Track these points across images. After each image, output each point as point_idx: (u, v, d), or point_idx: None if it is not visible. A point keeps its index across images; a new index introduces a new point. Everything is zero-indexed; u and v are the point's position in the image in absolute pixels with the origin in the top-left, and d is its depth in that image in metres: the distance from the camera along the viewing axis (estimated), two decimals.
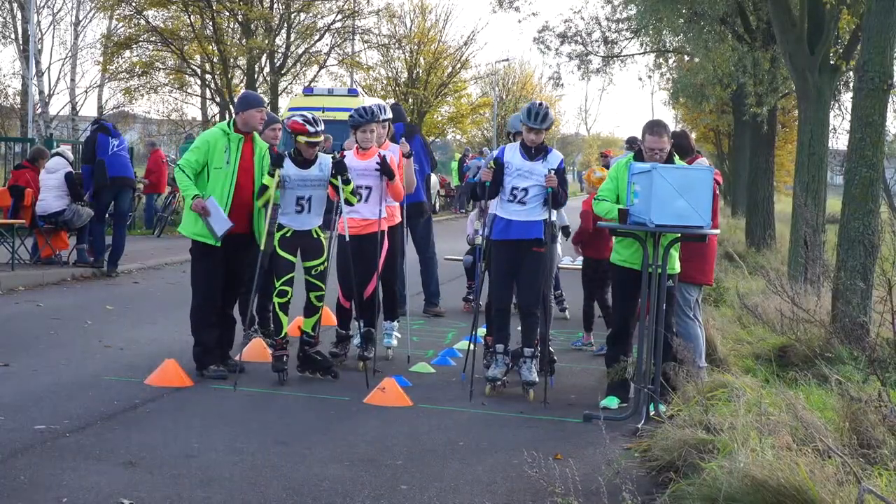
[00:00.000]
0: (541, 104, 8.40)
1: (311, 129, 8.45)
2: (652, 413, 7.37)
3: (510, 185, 8.36)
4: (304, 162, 8.54)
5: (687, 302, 8.30)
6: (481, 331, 9.41)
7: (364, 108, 9.26)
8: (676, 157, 7.99)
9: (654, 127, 7.89)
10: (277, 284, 8.52)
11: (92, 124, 15.91)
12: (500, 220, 8.42)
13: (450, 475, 6.17)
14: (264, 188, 8.47)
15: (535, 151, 8.35)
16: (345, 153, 9.20)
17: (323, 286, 8.69)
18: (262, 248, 8.59)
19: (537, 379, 8.34)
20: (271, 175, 8.43)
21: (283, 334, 8.60)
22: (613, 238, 8.10)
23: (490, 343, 8.85)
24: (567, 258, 13.55)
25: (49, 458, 6.12)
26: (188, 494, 5.60)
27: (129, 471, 5.96)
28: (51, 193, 14.99)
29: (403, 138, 10.25)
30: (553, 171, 8.28)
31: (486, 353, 9.01)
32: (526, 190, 8.32)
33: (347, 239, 8.77)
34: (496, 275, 8.49)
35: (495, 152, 8.74)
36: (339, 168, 8.56)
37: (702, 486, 5.31)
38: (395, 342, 9.84)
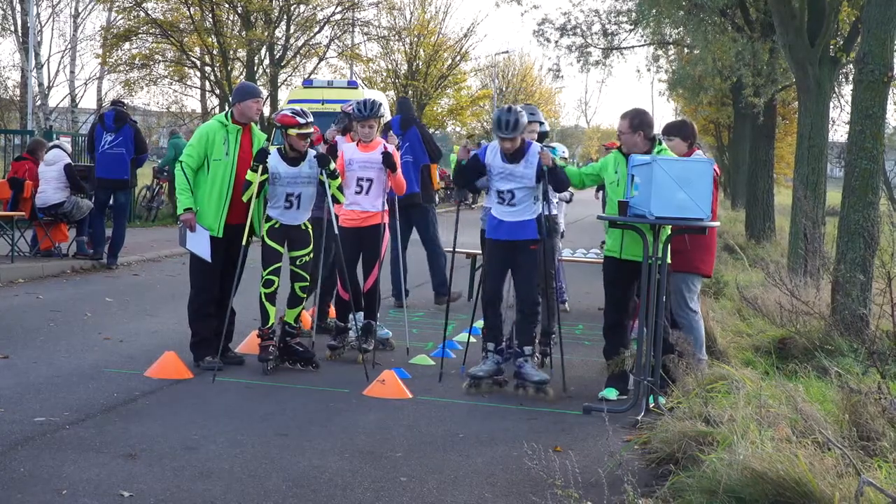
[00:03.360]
0: (509, 109, 8.13)
1: (302, 121, 8.47)
2: (651, 405, 7.37)
3: (495, 188, 8.31)
4: (294, 159, 8.55)
5: (691, 294, 8.29)
6: (479, 323, 9.40)
7: (366, 101, 9.26)
8: (665, 148, 8.05)
9: (624, 113, 8.15)
10: (264, 274, 8.54)
11: (113, 103, 15.78)
12: (492, 217, 8.38)
13: (449, 467, 6.18)
14: (248, 184, 8.46)
15: (513, 153, 8.25)
16: (336, 141, 9.21)
17: (308, 277, 8.71)
18: (243, 243, 8.58)
19: (546, 376, 8.29)
20: (254, 170, 8.42)
21: (269, 325, 8.59)
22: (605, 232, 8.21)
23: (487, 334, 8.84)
24: (567, 251, 13.54)
25: (49, 450, 6.13)
26: (188, 486, 5.61)
27: (129, 463, 5.96)
28: (50, 185, 15.00)
29: (391, 132, 10.31)
30: (543, 151, 8.23)
31: (484, 344, 8.97)
32: (511, 192, 8.22)
33: (336, 231, 8.78)
34: (489, 271, 8.39)
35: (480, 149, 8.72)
36: (322, 161, 8.57)
37: (701, 479, 5.31)
38: (390, 332, 9.85)
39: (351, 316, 9.31)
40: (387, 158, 9.06)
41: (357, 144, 9.21)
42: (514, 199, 8.23)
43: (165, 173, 23.38)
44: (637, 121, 8.00)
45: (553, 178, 8.17)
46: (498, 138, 8.14)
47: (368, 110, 9.10)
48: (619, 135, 8.10)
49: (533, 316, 8.31)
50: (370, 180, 9.15)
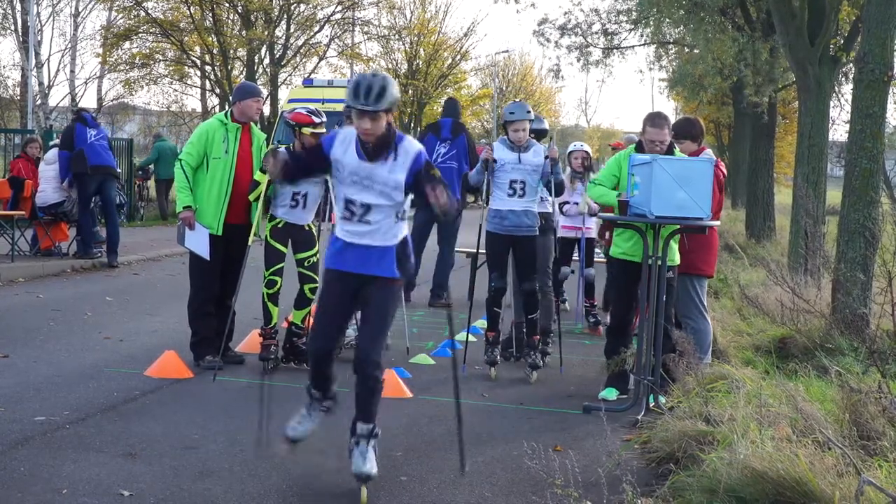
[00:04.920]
0: (374, 74, 5.59)
1: (317, 120, 8.47)
2: (652, 404, 7.37)
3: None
4: None
5: (700, 296, 8.26)
6: (481, 322, 9.41)
7: None
8: (677, 149, 7.99)
9: (656, 119, 7.89)
10: (266, 274, 8.53)
11: (72, 113, 16.07)
12: (335, 238, 7.73)
13: (449, 467, 6.17)
14: (255, 184, 8.47)
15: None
16: None
17: (317, 277, 8.70)
18: (249, 242, 8.58)
19: (372, 472, 6.24)
20: (263, 171, 8.43)
21: (272, 324, 8.60)
22: (613, 231, 8.13)
23: (490, 337, 8.82)
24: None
25: (49, 450, 6.12)
26: (188, 486, 5.60)
27: (129, 462, 5.96)
28: (50, 185, 15.04)
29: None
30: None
31: (486, 349, 8.93)
32: (367, 207, 7.76)
33: None
34: (325, 311, 6.39)
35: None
36: None
37: (702, 478, 5.31)
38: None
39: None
40: None
41: None
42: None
43: (142, 172, 23.79)
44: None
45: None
46: (353, 112, 5.60)
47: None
48: (652, 140, 7.74)
49: (371, 381, 5.72)
50: None
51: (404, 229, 5.84)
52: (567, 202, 11.25)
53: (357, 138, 5.64)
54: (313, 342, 5.93)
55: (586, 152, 11.55)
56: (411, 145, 5.65)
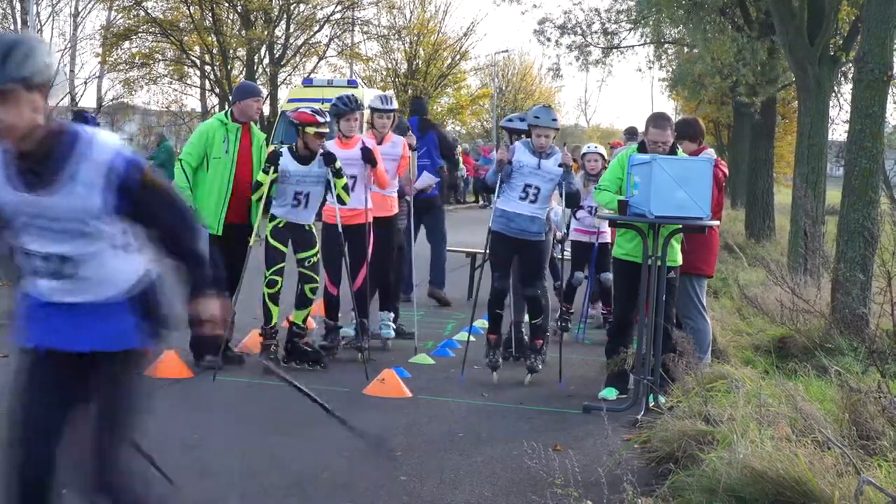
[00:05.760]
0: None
1: (321, 120, 8.47)
2: (651, 404, 7.38)
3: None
4: (305, 158, 8.54)
5: (699, 296, 8.27)
6: (482, 322, 9.41)
7: (347, 96, 9.18)
8: (679, 150, 7.99)
9: (658, 120, 7.90)
10: (267, 274, 8.54)
11: (72, 113, 16.17)
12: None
13: (449, 466, 6.18)
14: (258, 184, 8.47)
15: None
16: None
17: (317, 277, 8.70)
18: (251, 243, 8.58)
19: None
20: (266, 172, 8.42)
21: (272, 324, 8.60)
22: (616, 231, 8.14)
23: (492, 341, 8.75)
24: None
25: None
26: (188, 486, 5.60)
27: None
28: None
29: (409, 131, 10.38)
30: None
31: (488, 352, 8.88)
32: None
33: (340, 229, 8.75)
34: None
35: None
36: (328, 160, 8.53)
37: (701, 478, 5.31)
38: (392, 333, 9.82)
39: (381, 314, 9.49)
40: (366, 154, 8.98)
41: (337, 141, 9.14)
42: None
43: None
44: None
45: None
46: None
47: (353, 103, 9.07)
48: (654, 141, 7.75)
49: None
50: (353, 177, 9.04)
51: (140, 263, 3.67)
52: (581, 206, 11.08)
53: (4, 157, 3.41)
54: (16, 460, 3.59)
55: (600, 154, 11.31)
56: (98, 148, 3.43)
